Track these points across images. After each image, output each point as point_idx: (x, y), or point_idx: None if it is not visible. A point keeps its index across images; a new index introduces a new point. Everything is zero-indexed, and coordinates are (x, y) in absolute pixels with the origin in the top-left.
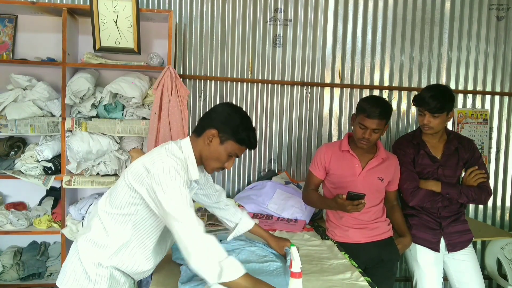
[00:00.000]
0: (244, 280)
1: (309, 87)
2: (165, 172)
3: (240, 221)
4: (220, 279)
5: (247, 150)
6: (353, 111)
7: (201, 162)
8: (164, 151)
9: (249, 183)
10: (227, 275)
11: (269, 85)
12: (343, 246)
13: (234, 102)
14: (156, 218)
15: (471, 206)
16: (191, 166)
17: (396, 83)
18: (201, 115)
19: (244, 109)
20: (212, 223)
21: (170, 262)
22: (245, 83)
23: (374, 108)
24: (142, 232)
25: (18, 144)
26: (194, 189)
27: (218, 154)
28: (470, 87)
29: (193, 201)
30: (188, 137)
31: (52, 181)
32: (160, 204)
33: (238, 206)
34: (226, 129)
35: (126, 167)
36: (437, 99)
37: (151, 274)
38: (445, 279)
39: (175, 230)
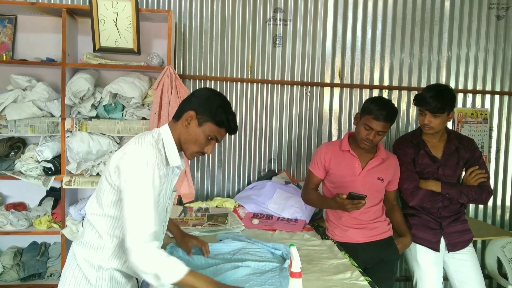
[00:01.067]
0: (188, 278)
1: (309, 87)
2: (134, 165)
3: None
4: (159, 281)
5: (248, 151)
6: (353, 111)
7: (181, 147)
8: (137, 141)
9: (249, 183)
10: (166, 277)
11: (269, 85)
12: (343, 246)
13: (234, 102)
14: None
15: (471, 206)
16: (171, 151)
17: (396, 83)
18: None
19: (244, 109)
20: (212, 223)
21: None
22: (245, 83)
23: (381, 110)
24: None
25: (18, 144)
26: (177, 175)
27: (196, 137)
28: (470, 87)
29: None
30: (167, 124)
31: (52, 182)
32: (122, 192)
33: (238, 206)
34: (204, 110)
35: None
36: (438, 99)
37: None
38: (445, 278)
39: (124, 221)
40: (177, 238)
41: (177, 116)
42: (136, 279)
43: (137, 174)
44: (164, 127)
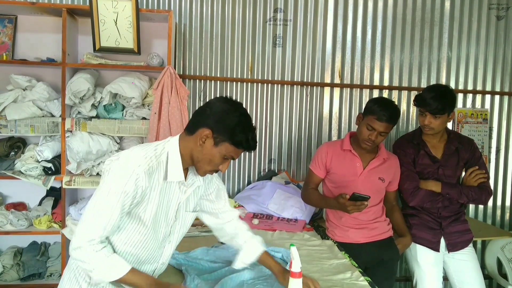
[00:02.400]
0: (128, 276)
1: (309, 87)
2: (114, 166)
3: (244, 244)
4: (92, 280)
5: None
6: (353, 111)
7: (192, 163)
8: (133, 148)
9: (249, 183)
10: (99, 277)
11: (269, 85)
12: (343, 246)
13: None
14: (144, 230)
15: (471, 206)
16: (172, 167)
17: (396, 83)
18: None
19: None
20: None
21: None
22: (245, 83)
23: (384, 111)
24: (132, 246)
25: (18, 144)
26: (183, 193)
27: (211, 157)
28: (470, 87)
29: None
30: (178, 135)
31: (52, 182)
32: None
33: (238, 206)
34: (221, 129)
35: None
36: (438, 100)
37: None
38: (445, 279)
39: (85, 212)
40: (279, 278)
41: (191, 130)
42: None
43: (111, 175)
44: (174, 139)
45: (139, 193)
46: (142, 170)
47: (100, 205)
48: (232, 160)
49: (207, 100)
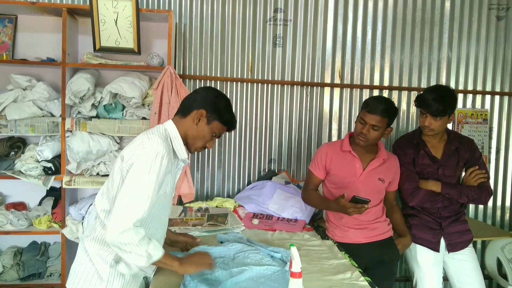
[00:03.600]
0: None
1: (309, 87)
2: (144, 156)
3: None
4: (150, 260)
5: (248, 151)
6: (353, 111)
7: (185, 142)
8: (147, 135)
9: (249, 183)
10: (155, 255)
11: (269, 85)
12: (343, 246)
13: (234, 102)
14: (162, 208)
15: (471, 206)
16: (178, 146)
17: (396, 83)
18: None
19: (244, 109)
20: (212, 223)
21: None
22: (245, 83)
23: (376, 103)
24: (156, 226)
25: (18, 144)
26: (181, 168)
27: (204, 133)
28: (470, 87)
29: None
30: (170, 120)
31: (52, 181)
32: (126, 178)
33: (238, 206)
34: (213, 110)
35: None
36: (439, 102)
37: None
38: (445, 279)
39: (116, 200)
40: (175, 238)
41: (185, 113)
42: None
43: (145, 164)
44: (169, 123)
45: (166, 171)
46: (165, 150)
47: (138, 188)
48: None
49: None
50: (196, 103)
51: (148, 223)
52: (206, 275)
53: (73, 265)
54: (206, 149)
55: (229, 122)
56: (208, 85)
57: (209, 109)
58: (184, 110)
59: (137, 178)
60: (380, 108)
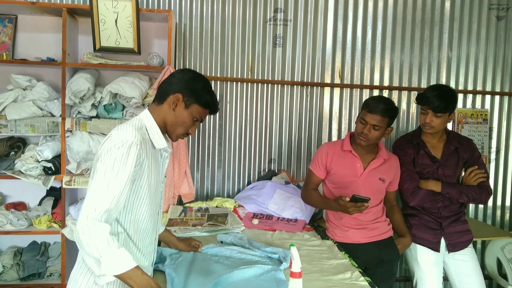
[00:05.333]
0: (130, 274)
1: (309, 87)
2: (109, 146)
3: None
4: (99, 267)
5: (248, 151)
6: (353, 111)
7: (165, 130)
8: (117, 128)
9: (249, 183)
10: (108, 267)
11: (269, 85)
12: (343, 246)
13: (234, 102)
14: (147, 201)
15: (471, 206)
16: (156, 135)
17: (396, 83)
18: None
19: (244, 109)
20: (212, 223)
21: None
22: (245, 83)
23: (377, 103)
24: (140, 221)
25: (18, 144)
26: (167, 158)
27: (183, 119)
28: (470, 87)
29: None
30: (146, 109)
31: (52, 181)
32: (96, 171)
33: (238, 206)
34: (190, 93)
35: None
36: (441, 98)
37: None
38: (445, 279)
39: (88, 193)
40: (179, 245)
41: (161, 99)
42: None
43: (110, 153)
44: (145, 112)
45: (140, 162)
46: (138, 140)
47: (106, 180)
48: (200, 123)
49: None
50: (171, 87)
51: (134, 220)
52: (196, 274)
53: (73, 271)
54: (201, 147)
55: (209, 104)
56: (185, 68)
57: (186, 92)
58: (160, 96)
59: (102, 169)
60: (381, 107)
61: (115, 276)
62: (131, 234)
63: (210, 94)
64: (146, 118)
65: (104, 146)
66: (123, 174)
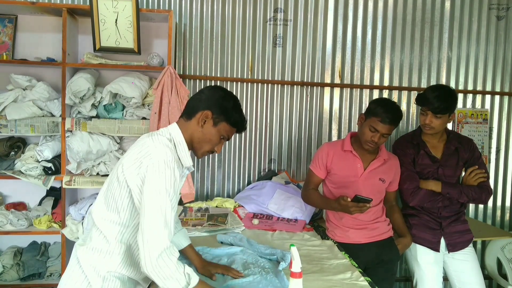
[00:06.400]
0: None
1: (309, 87)
2: (155, 166)
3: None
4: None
5: (248, 151)
6: (353, 111)
7: (191, 146)
8: (152, 142)
9: (249, 183)
10: (193, 278)
11: (269, 85)
12: (343, 246)
13: None
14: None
15: (471, 206)
16: (183, 152)
17: (396, 83)
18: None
19: (244, 109)
20: (212, 223)
21: None
22: (245, 83)
23: (388, 113)
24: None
25: (18, 144)
26: (185, 176)
27: (211, 136)
28: (470, 87)
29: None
30: (175, 122)
31: (52, 181)
32: (143, 196)
33: (238, 206)
34: (219, 111)
35: None
36: (441, 99)
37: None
38: (445, 279)
39: (142, 226)
40: (198, 266)
41: (190, 115)
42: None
43: (155, 175)
44: (173, 126)
45: (176, 184)
46: (174, 161)
47: (161, 206)
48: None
49: None
50: (201, 104)
51: None
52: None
53: (64, 275)
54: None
55: (238, 123)
56: (208, 86)
57: (215, 110)
58: (189, 112)
59: (156, 192)
60: (391, 117)
61: None
62: None
63: (239, 113)
64: (175, 133)
65: (145, 164)
66: (171, 197)
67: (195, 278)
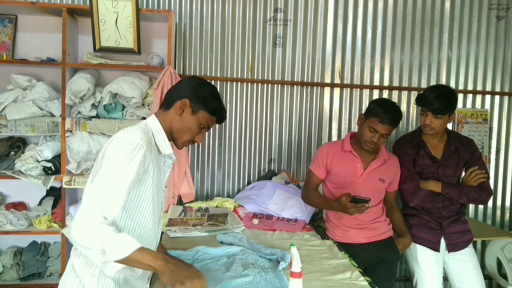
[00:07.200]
0: (137, 254)
1: (309, 87)
2: (115, 146)
3: None
4: (105, 257)
5: (248, 151)
6: (353, 111)
7: (171, 137)
8: (124, 129)
9: (249, 183)
10: (113, 253)
11: (269, 85)
12: (343, 246)
13: (234, 102)
14: (149, 208)
15: (471, 206)
16: (161, 141)
17: (396, 83)
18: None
19: (244, 109)
20: (212, 223)
21: None
22: (245, 83)
23: (388, 114)
24: (141, 228)
25: (18, 144)
26: (169, 167)
27: (190, 125)
28: (470, 87)
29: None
30: (153, 114)
31: (52, 181)
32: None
33: (238, 206)
34: (198, 99)
35: None
36: (441, 100)
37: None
38: (445, 279)
39: (85, 192)
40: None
41: (167, 105)
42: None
43: (115, 153)
44: (151, 117)
45: (146, 166)
46: (144, 142)
47: (108, 182)
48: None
49: None
50: (179, 93)
51: (137, 226)
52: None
53: (62, 279)
54: (201, 147)
55: (216, 111)
56: (193, 75)
57: (193, 97)
58: (167, 102)
59: (104, 169)
60: (391, 118)
61: (122, 261)
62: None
63: (218, 101)
64: (152, 123)
65: (108, 145)
66: (126, 175)
67: (131, 245)
